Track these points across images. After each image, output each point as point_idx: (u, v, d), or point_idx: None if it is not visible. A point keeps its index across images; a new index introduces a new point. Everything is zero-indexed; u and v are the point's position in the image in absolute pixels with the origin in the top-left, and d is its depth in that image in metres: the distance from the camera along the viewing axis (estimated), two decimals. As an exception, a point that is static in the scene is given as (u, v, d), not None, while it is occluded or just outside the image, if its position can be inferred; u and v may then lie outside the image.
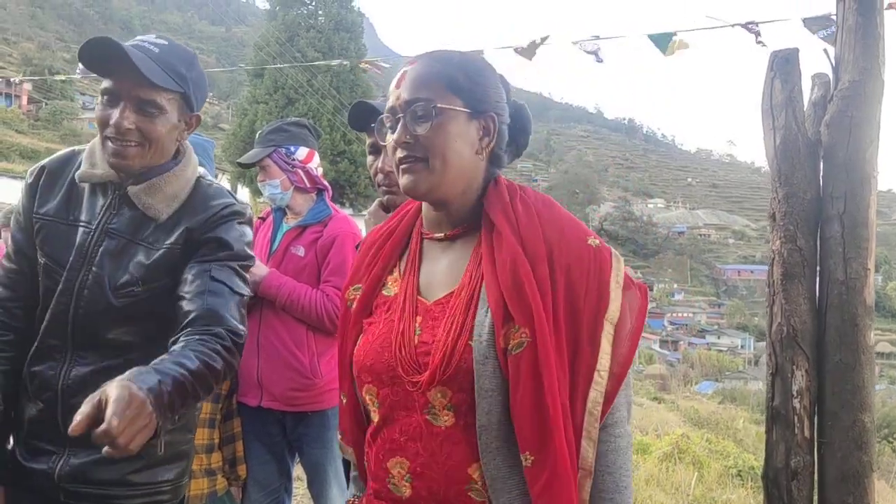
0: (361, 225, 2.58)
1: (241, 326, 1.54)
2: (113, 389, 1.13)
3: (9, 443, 1.68)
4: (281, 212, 2.82)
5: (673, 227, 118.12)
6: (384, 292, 1.32)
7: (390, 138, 1.24)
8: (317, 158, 2.81)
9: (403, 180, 1.23)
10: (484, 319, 1.17)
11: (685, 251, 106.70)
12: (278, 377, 2.59)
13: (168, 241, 1.61)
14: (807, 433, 1.98)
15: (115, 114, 1.54)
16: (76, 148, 1.72)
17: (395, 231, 1.36)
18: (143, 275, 1.59)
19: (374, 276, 1.33)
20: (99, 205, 1.62)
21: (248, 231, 1.69)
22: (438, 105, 1.20)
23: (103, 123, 1.56)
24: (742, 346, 63.20)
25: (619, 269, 1.21)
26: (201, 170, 1.77)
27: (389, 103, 1.25)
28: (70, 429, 1.12)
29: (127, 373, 1.20)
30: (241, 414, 2.67)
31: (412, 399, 1.21)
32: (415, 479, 1.20)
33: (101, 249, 1.59)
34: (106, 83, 1.55)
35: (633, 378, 11.70)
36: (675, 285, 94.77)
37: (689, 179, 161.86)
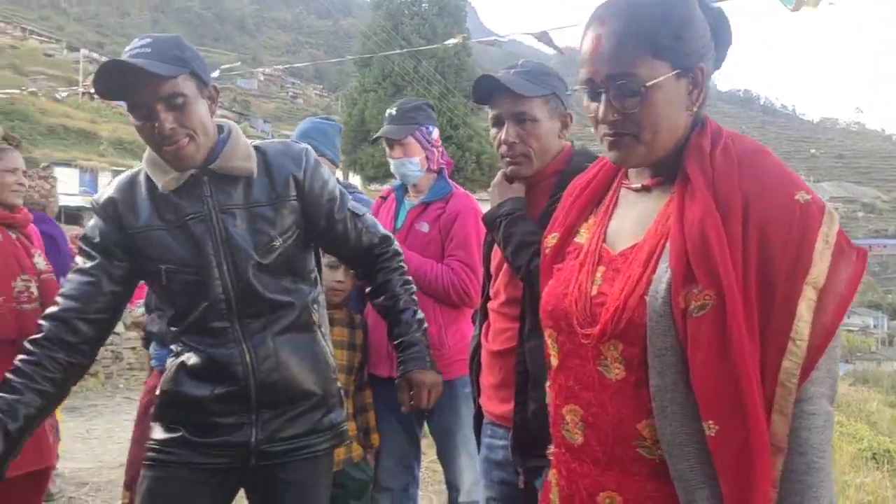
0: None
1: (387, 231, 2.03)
2: (428, 378, 1.94)
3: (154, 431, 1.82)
4: (402, 190, 2.90)
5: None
6: (576, 239, 1.30)
7: (592, 108, 1.18)
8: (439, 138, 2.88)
9: (611, 154, 1.20)
10: (662, 276, 1.11)
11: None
12: None
13: (282, 194, 1.77)
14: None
15: (155, 123, 1.61)
16: (128, 173, 1.82)
17: (594, 179, 1.33)
18: (277, 227, 1.76)
19: (569, 223, 1.32)
20: (194, 197, 1.73)
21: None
22: (646, 83, 1.12)
23: (149, 137, 1.65)
24: (874, 326, 59.34)
25: (832, 228, 1.08)
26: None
27: (585, 73, 1.17)
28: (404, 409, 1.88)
29: (413, 353, 1.95)
30: (372, 385, 2.78)
31: (585, 349, 1.19)
32: (587, 428, 1.19)
33: (227, 227, 1.72)
34: (129, 101, 1.62)
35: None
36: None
37: (813, 151, 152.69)
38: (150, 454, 1.81)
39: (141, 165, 1.79)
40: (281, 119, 62.42)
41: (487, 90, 1.92)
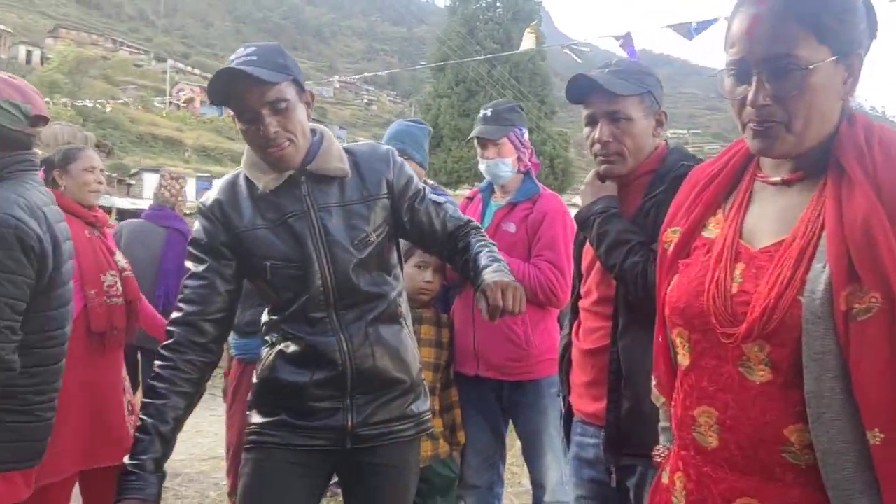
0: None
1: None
2: (493, 284, 1.69)
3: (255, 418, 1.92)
4: (489, 191, 2.93)
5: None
6: (704, 234, 1.26)
7: (738, 91, 1.14)
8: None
9: (755, 143, 1.15)
10: (820, 276, 1.05)
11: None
12: (494, 347, 2.70)
13: (376, 193, 1.89)
14: None
15: (261, 126, 1.72)
16: (228, 176, 1.93)
17: (722, 171, 1.27)
18: (370, 223, 1.86)
19: (695, 217, 1.27)
20: (294, 196, 1.83)
21: None
22: (808, 67, 1.07)
23: (254, 140, 1.75)
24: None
25: None
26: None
27: (736, 53, 1.13)
28: (490, 316, 1.67)
29: (492, 269, 1.76)
30: (458, 383, 2.81)
31: (725, 349, 1.14)
32: (723, 431, 1.14)
33: (325, 223, 1.82)
34: (237, 106, 1.73)
35: None
36: None
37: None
38: (252, 437, 1.90)
39: (239, 168, 1.89)
40: (356, 126, 63.51)
41: (582, 89, 1.92)
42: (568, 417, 2.10)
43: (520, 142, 2.82)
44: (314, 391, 1.83)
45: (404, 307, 1.98)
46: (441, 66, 28.19)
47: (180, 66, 68.88)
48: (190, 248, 1.87)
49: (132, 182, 26.96)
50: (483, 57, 20.59)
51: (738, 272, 1.15)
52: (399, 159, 1.97)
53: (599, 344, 1.92)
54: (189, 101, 52.21)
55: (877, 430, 1.00)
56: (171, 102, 50.92)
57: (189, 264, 1.86)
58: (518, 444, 3.64)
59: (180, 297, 1.85)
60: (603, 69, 1.95)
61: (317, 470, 1.90)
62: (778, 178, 1.19)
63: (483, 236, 1.95)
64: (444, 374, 2.78)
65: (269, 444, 1.87)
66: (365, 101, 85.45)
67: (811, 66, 1.07)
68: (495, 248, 1.91)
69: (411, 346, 1.96)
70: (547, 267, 2.68)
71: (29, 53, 47.33)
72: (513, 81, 28.46)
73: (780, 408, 1.08)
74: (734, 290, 1.14)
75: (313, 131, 1.89)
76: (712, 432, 1.16)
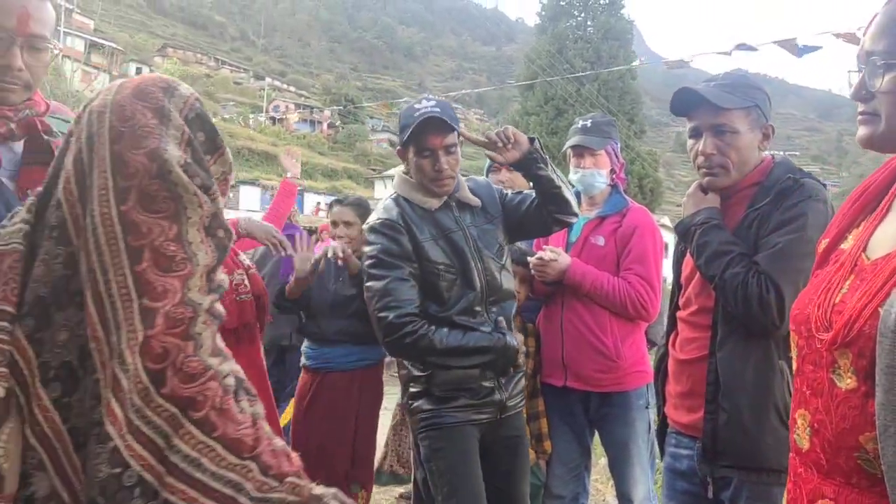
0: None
1: None
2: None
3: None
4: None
5: None
6: (843, 246, 1.28)
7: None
8: None
9: (858, 131, 1.23)
10: None
11: None
12: (583, 359, 2.71)
13: (496, 213, 2.42)
14: None
15: (436, 164, 2.25)
16: (387, 200, 2.36)
17: (872, 184, 1.29)
18: (502, 237, 2.42)
19: (840, 229, 1.30)
20: (448, 217, 2.32)
21: None
22: (893, 61, 1.12)
23: (427, 173, 2.26)
24: None
25: None
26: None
27: (859, 49, 1.22)
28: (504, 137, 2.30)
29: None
30: (546, 394, 2.84)
31: (821, 356, 1.18)
32: (813, 434, 1.19)
33: (475, 239, 2.33)
34: (417, 145, 2.25)
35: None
36: None
37: None
38: (432, 421, 2.29)
39: (393, 193, 2.36)
40: (443, 143, 63.73)
41: (686, 102, 1.94)
42: (662, 428, 2.10)
43: (615, 155, 2.85)
44: (480, 373, 2.27)
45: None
46: (530, 84, 28.26)
47: (277, 83, 71.44)
48: (381, 256, 2.22)
49: (230, 194, 28.06)
50: (573, 75, 20.51)
51: (847, 283, 1.18)
52: (491, 183, 2.55)
53: (697, 354, 1.92)
54: (283, 118, 54.13)
55: None
56: (268, 118, 52.80)
57: (381, 272, 2.21)
58: (602, 460, 3.62)
59: (389, 300, 2.17)
60: (709, 82, 1.96)
61: (480, 442, 2.32)
62: None
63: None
64: (531, 384, 2.80)
65: (449, 423, 2.27)
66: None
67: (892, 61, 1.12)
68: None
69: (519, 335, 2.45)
70: (637, 281, 2.68)
71: (139, 70, 50.12)
72: (602, 100, 28.21)
73: (859, 415, 1.10)
74: (837, 299, 1.17)
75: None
76: (805, 434, 1.21)
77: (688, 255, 2.00)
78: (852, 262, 1.20)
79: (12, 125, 1.58)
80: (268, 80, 68.42)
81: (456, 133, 2.26)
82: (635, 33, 34.04)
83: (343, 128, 57.67)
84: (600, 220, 2.82)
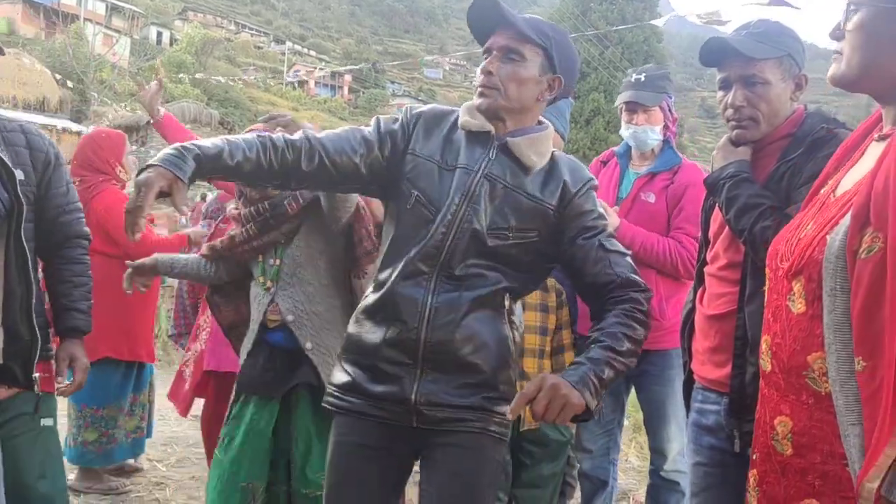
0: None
1: (643, 282, 1.75)
2: (548, 381, 1.50)
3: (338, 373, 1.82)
4: (626, 156, 2.90)
5: None
6: (823, 190, 1.37)
7: None
8: None
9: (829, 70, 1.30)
10: (849, 218, 1.15)
11: None
12: None
13: (543, 195, 1.74)
14: None
15: (485, 66, 1.74)
16: (451, 108, 1.88)
17: (855, 134, 1.39)
18: (517, 222, 1.72)
19: (824, 175, 1.40)
20: (478, 152, 1.75)
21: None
22: (863, 5, 1.22)
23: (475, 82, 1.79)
24: None
25: None
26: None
27: None
28: (510, 410, 1.55)
29: (569, 371, 1.58)
30: (578, 345, 2.83)
31: (781, 284, 1.29)
32: (772, 357, 1.31)
33: (482, 190, 1.72)
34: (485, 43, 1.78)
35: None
36: None
37: None
38: (328, 399, 1.83)
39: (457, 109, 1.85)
40: (464, 107, 63.28)
41: (716, 53, 1.90)
42: (688, 384, 2.09)
43: (669, 110, 2.80)
44: (384, 351, 1.71)
45: (517, 315, 1.82)
46: (553, 47, 27.82)
47: (298, 47, 71.01)
48: (375, 121, 1.83)
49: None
50: (594, 32, 20.12)
51: (815, 219, 1.28)
52: (593, 193, 1.80)
53: (725, 309, 1.90)
54: (304, 81, 53.96)
55: (860, 357, 1.10)
56: (289, 82, 52.65)
57: (363, 128, 1.81)
58: (626, 421, 3.63)
59: (328, 132, 1.78)
60: (740, 31, 1.91)
61: (387, 452, 1.75)
62: (879, 135, 1.27)
63: (629, 314, 1.66)
64: (555, 338, 2.79)
65: (340, 409, 1.78)
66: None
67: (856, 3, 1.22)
68: (625, 335, 1.63)
69: (506, 347, 1.75)
70: (688, 241, 2.64)
71: (159, 35, 49.97)
72: (626, 63, 27.73)
73: (807, 337, 1.23)
74: (803, 234, 1.28)
75: (541, 122, 1.84)
76: (767, 357, 1.34)
77: (716, 209, 1.97)
78: (822, 201, 1.31)
79: None
80: (288, 44, 68.04)
81: (536, 46, 1.72)
82: (661, -6, 33.34)
83: (364, 92, 57.36)
84: (651, 176, 2.79)
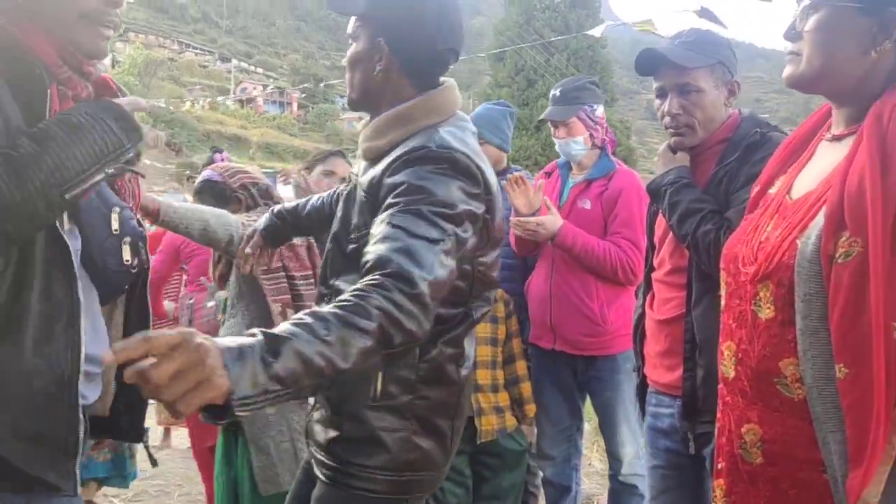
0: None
1: (416, 270, 1.19)
2: (195, 341, 0.92)
3: None
4: (567, 167, 2.94)
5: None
6: (770, 191, 1.36)
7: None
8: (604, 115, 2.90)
9: (784, 71, 1.30)
10: (819, 222, 1.15)
11: None
12: (570, 323, 2.73)
13: (366, 184, 1.46)
14: None
15: None
16: None
17: (800, 132, 1.38)
18: (356, 220, 1.48)
19: (768, 177, 1.39)
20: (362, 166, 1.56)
21: (449, 178, 1.34)
22: (819, 4, 1.20)
23: None
24: None
25: None
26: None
27: None
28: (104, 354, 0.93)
29: (235, 339, 0.99)
30: (535, 356, 2.85)
31: (745, 289, 1.25)
32: (738, 364, 1.27)
33: (340, 205, 1.59)
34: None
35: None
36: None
37: None
38: None
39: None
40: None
41: (650, 62, 1.93)
42: (642, 389, 2.12)
43: (590, 119, 2.81)
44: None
45: None
46: (500, 56, 28.07)
47: (244, 65, 70.39)
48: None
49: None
50: (539, 42, 20.39)
51: (772, 222, 1.26)
52: (414, 167, 1.36)
53: (673, 314, 1.93)
54: (251, 99, 53.40)
55: (842, 364, 1.09)
56: (236, 100, 52.09)
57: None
58: (587, 425, 3.66)
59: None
60: (673, 40, 1.96)
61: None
62: (830, 136, 1.27)
63: (361, 297, 1.14)
64: (506, 348, 2.80)
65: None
66: None
67: (819, 2, 1.20)
68: (340, 321, 1.08)
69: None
70: (627, 245, 2.69)
71: (101, 57, 49.05)
72: (571, 69, 28.12)
73: (778, 343, 1.19)
74: (763, 237, 1.26)
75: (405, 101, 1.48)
76: (731, 364, 1.29)
77: (660, 215, 2.00)
78: (777, 204, 1.29)
79: (89, 86, 1.37)
80: (234, 61, 67.41)
81: (359, 23, 1.50)
82: (602, 1, 33.92)
83: (313, 107, 57.07)
84: (587, 183, 2.82)
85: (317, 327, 1.05)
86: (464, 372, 1.52)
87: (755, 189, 1.42)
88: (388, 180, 1.36)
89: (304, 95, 56.38)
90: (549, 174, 3.02)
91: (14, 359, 1.21)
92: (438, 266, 1.22)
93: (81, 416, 1.30)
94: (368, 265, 1.22)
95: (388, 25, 1.46)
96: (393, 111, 1.48)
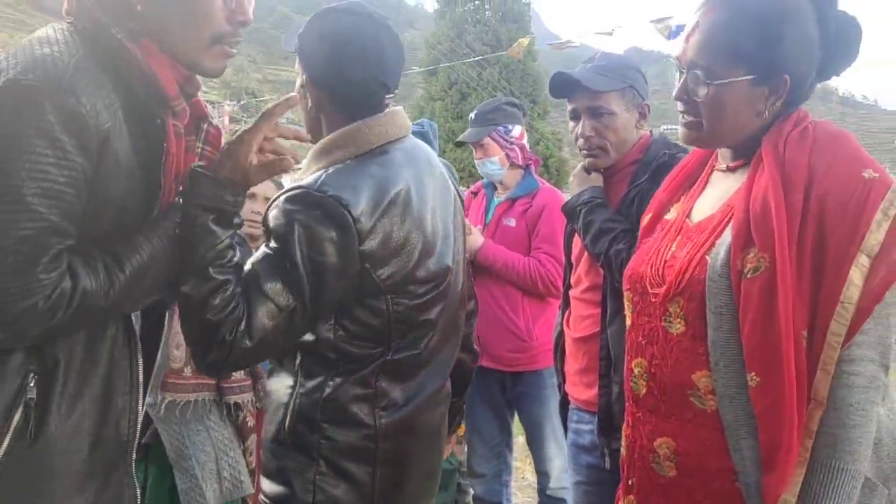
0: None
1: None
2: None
3: None
4: (492, 186, 2.99)
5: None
6: (666, 217, 1.43)
7: (676, 85, 1.30)
8: (525, 135, 2.95)
9: (680, 131, 1.36)
10: (725, 240, 1.22)
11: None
12: (497, 339, 2.77)
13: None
14: None
15: None
16: None
17: (688, 164, 1.46)
18: None
19: (661, 203, 1.46)
20: None
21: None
22: (716, 81, 1.24)
23: None
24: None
25: (894, 203, 1.13)
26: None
27: (678, 50, 1.30)
28: None
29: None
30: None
31: (654, 307, 1.30)
32: (650, 379, 1.31)
33: None
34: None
35: None
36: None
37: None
38: None
39: None
40: (350, 132, 62.91)
41: (564, 86, 1.98)
42: (564, 406, 2.15)
43: (504, 139, 2.87)
44: None
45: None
46: (433, 70, 28.24)
47: (172, 79, 68.69)
48: None
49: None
50: (472, 59, 20.62)
51: (675, 244, 1.33)
52: (277, 208, 1.36)
53: (590, 331, 1.97)
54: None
55: (753, 373, 1.15)
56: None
57: None
58: (521, 439, 3.70)
59: None
60: (585, 65, 2.00)
61: None
62: (724, 166, 1.36)
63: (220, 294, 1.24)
64: None
65: None
66: None
67: (718, 82, 1.24)
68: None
69: (280, 413, 1.42)
70: (546, 259, 2.75)
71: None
72: (504, 83, 28.50)
73: (690, 357, 1.24)
74: (668, 256, 1.32)
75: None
76: (643, 381, 1.33)
77: (576, 235, 2.04)
78: (678, 227, 1.36)
79: (188, 109, 1.24)
80: (162, 75, 65.70)
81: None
82: (533, 15, 34.52)
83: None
84: (511, 202, 2.88)
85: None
86: (385, 417, 1.41)
87: (647, 216, 1.48)
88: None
89: (238, 108, 55.42)
90: (475, 193, 3.07)
91: None
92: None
93: None
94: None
95: (309, 62, 1.50)
96: (318, 143, 1.50)
